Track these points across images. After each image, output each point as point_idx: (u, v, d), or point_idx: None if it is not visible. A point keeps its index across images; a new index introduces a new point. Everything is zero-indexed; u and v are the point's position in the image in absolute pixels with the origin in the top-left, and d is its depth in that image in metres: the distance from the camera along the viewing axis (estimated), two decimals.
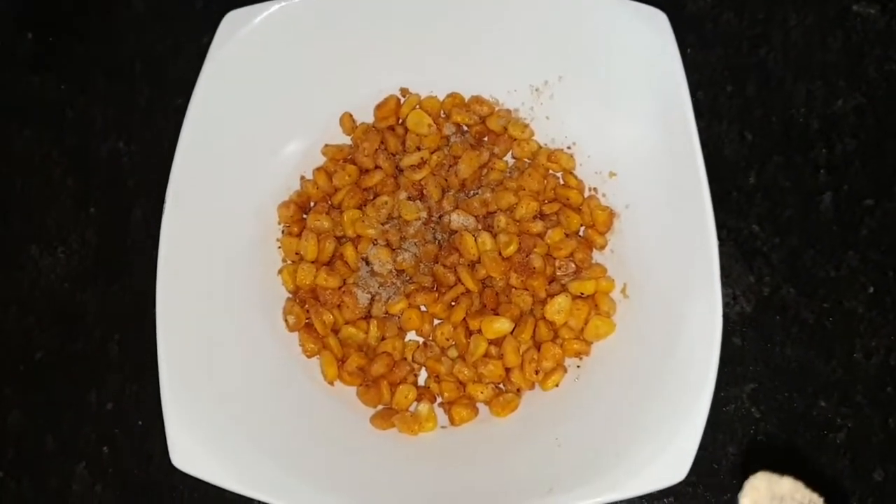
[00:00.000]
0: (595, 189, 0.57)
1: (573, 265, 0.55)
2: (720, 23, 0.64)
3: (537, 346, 0.53)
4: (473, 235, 0.55)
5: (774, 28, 0.64)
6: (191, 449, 0.48)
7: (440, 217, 0.56)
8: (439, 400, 0.54)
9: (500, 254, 0.55)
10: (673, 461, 0.48)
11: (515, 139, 0.58)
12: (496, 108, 0.59)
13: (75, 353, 0.58)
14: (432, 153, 0.57)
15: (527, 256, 0.55)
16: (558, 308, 0.53)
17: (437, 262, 0.55)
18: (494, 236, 0.55)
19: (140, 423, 0.56)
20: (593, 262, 0.56)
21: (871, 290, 0.58)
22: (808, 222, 0.59)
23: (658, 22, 0.53)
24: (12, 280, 0.60)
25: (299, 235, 0.56)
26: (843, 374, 0.56)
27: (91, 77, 0.65)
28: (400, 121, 0.59)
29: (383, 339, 0.55)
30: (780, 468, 0.55)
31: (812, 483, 0.50)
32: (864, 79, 0.62)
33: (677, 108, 0.52)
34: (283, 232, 0.57)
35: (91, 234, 0.61)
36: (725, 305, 0.56)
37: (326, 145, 0.58)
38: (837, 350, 0.57)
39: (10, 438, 0.57)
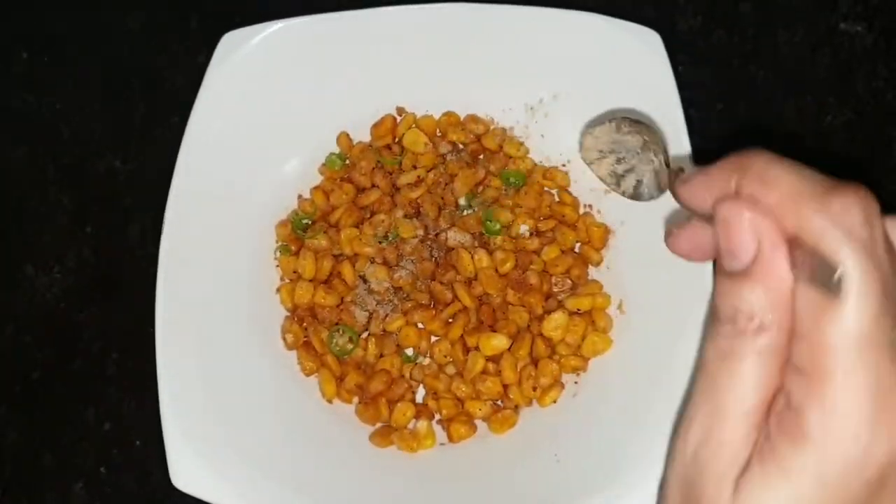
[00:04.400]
0: (590, 206, 0.58)
1: (569, 281, 0.56)
2: (711, 41, 0.65)
3: (535, 362, 0.54)
4: (470, 252, 0.55)
5: (764, 46, 0.65)
6: (190, 468, 0.48)
7: (437, 234, 0.57)
8: (437, 417, 0.54)
9: (496, 271, 0.55)
10: None
11: (511, 157, 0.59)
12: (491, 127, 0.59)
13: (72, 371, 0.58)
14: (428, 171, 0.58)
15: (523, 273, 0.55)
16: (555, 324, 0.54)
17: (434, 280, 0.56)
18: (491, 253, 0.56)
19: (138, 442, 0.56)
20: (589, 278, 0.56)
21: None
22: None
23: (651, 41, 0.54)
24: (8, 299, 0.60)
25: (297, 254, 0.56)
26: None
27: (87, 95, 0.65)
28: (396, 140, 0.59)
29: (381, 356, 0.55)
30: None
31: None
32: (854, 95, 0.63)
33: (671, 125, 0.52)
34: (280, 250, 0.57)
35: (87, 252, 0.61)
36: None
37: (324, 164, 0.59)
38: None
39: (8, 457, 0.57)
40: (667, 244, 0.31)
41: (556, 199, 0.58)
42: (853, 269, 0.24)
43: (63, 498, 0.56)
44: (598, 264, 0.56)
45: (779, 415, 0.25)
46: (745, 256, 0.26)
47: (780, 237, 0.25)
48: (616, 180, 0.37)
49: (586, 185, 0.57)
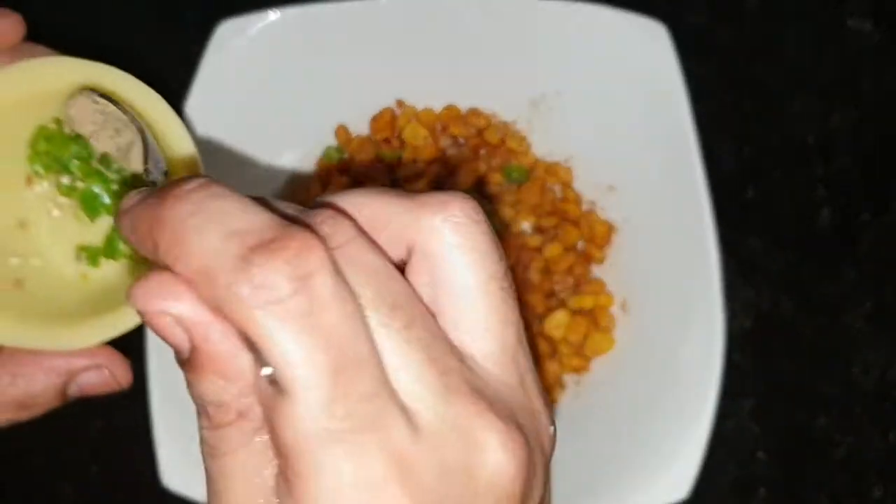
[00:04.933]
0: (594, 203, 0.57)
1: (571, 280, 0.55)
2: (717, 36, 0.64)
3: (536, 361, 0.53)
4: None
5: (771, 43, 0.64)
6: (180, 468, 0.47)
7: None
8: None
9: None
10: (674, 479, 0.47)
11: (513, 152, 0.58)
12: (493, 121, 0.58)
13: None
14: (428, 165, 0.57)
15: (524, 271, 0.54)
16: (557, 323, 0.53)
17: None
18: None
19: (129, 441, 0.55)
20: (592, 276, 0.55)
21: (869, 304, 0.57)
22: (807, 237, 0.59)
23: (658, 34, 0.53)
24: None
25: None
26: (842, 389, 0.56)
27: None
28: (396, 133, 0.58)
29: None
30: (780, 485, 0.55)
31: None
32: (861, 94, 0.62)
33: (677, 120, 0.51)
34: None
35: None
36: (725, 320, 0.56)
37: (322, 157, 0.58)
38: (836, 365, 0.56)
39: None
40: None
41: (559, 195, 0.57)
42: (285, 359, 0.19)
43: (52, 498, 0.55)
44: (600, 262, 0.55)
45: None
46: (183, 348, 0.20)
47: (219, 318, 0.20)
48: (124, 155, 0.32)
49: (590, 182, 0.56)
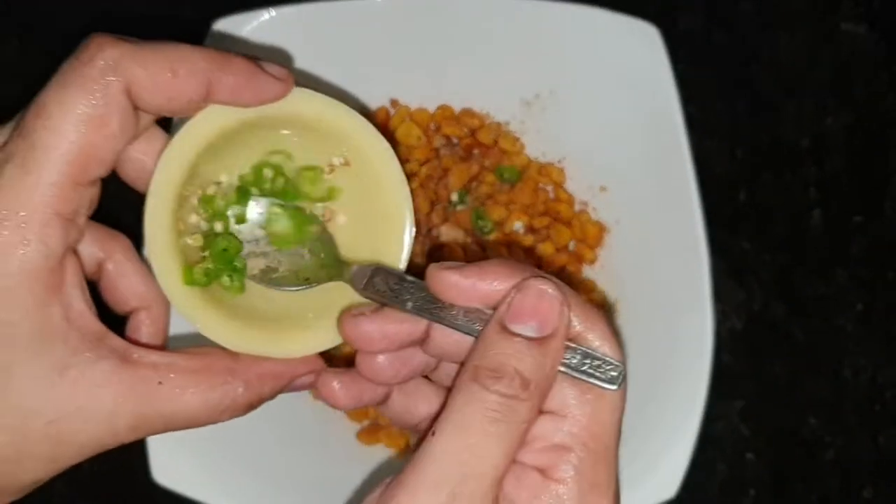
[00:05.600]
0: (586, 203, 0.57)
1: (563, 280, 0.55)
2: (711, 40, 0.65)
3: None
4: (462, 248, 0.54)
5: (765, 46, 0.64)
6: (171, 463, 0.47)
7: (429, 230, 0.56)
8: None
9: None
10: (663, 478, 0.48)
11: (506, 152, 0.58)
12: (486, 122, 0.58)
13: None
14: (422, 165, 0.57)
15: None
16: None
17: None
18: (484, 250, 0.55)
19: None
20: (583, 276, 0.55)
21: (860, 307, 0.58)
22: (798, 239, 0.59)
23: (650, 36, 0.53)
24: None
25: None
26: (832, 391, 0.56)
27: None
28: (390, 132, 0.58)
29: None
30: (770, 486, 0.55)
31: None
32: (853, 97, 0.63)
33: (669, 122, 0.52)
34: None
35: None
36: (715, 322, 0.56)
37: None
38: (826, 367, 0.56)
39: None
40: (346, 324, 0.31)
41: (552, 195, 0.57)
42: (624, 371, 0.28)
43: (45, 494, 0.54)
44: (592, 263, 0.56)
45: (534, 485, 0.27)
46: (547, 328, 0.28)
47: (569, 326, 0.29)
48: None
49: (582, 183, 0.57)
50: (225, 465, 0.47)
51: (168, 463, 0.47)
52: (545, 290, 0.28)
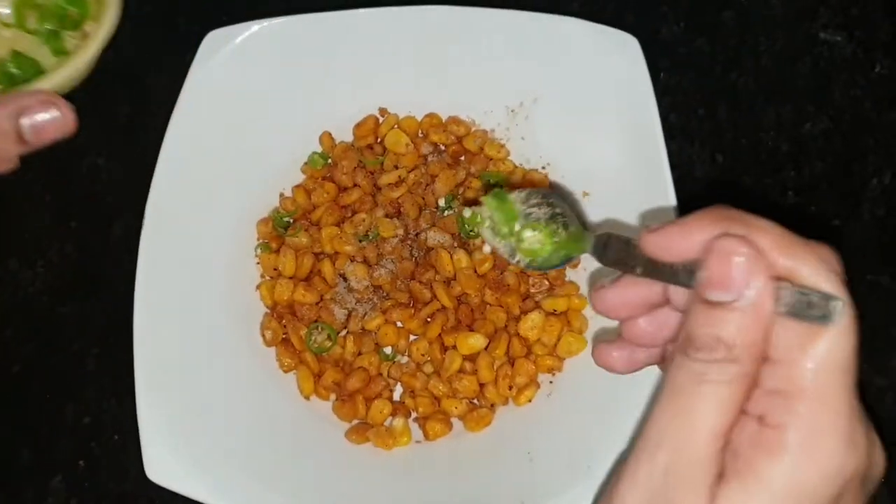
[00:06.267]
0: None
1: (546, 282, 0.56)
2: (693, 48, 0.66)
3: (511, 361, 0.54)
4: (449, 253, 0.56)
5: (745, 54, 0.66)
6: (166, 462, 0.48)
7: (417, 234, 0.57)
8: (414, 415, 0.55)
9: (475, 271, 0.56)
10: None
11: (491, 159, 0.59)
12: (473, 129, 0.60)
13: (52, 366, 0.58)
14: (410, 172, 0.58)
15: (501, 274, 0.56)
16: (532, 324, 0.54)
17: (414, 279, 0.56)
18: (470, 254, 0.56)
19: (117, 436, 0.56)
20: (566, 279, 0.57)
21: None
22: None
23: (630, 46, 0.55)
24: None
25: (278, 251, 0.57)
26: None
27: (72, 93, 0.66)
28: (378, 140, 0.60)
29: (359, 354, 0.55)
30: None
31: None
32: (832, 103, 0.64)
33: (647, 129, 0.53)
34: (261, 248, 0.57)
35: (70, 248, 0.61)
36: None
37: (306, 163, 0.59)
38: None
39: None
40: (594, 299, 0.34)
41: None
42: (844, 305, 0.27)
43: (41, 492, 0.56)
44: (575, 266, 0.57)
45: (752, 434, 0.28)
46: (736, 289, 0.27)
47: (770, 275, 0.27)
48: (510, 252, 0.37)
49: (565, 188, 0.58)
50: (217, 462, 0.48)
51: (161, 460, 0.48)
52: (732, 256, 0.27)
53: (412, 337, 0.56)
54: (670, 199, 0.52)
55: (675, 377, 0.28)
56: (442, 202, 0.58)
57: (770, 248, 0.28)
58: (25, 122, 0.39)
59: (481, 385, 0.54)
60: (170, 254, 0.53)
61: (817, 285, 0.28)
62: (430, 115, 0.60)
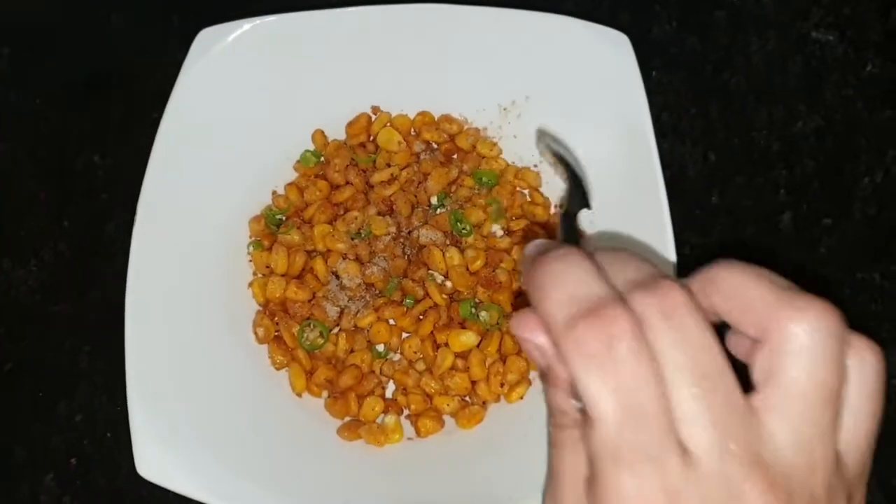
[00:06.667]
0: (561, 206, 0.58)
1: None
2: (685, 47, 0.66)
3: (503, 359, 0.54)
4: (441, 250, 0.56)
5: (737, 53, 0.66)
6: (158, 459, 0.48)
7: (409, 232, 0.57)
8: (406, 412, 0.55)
9: (467, 268, 0.56)
10: None
11: (484, 157, 0.59)
12: (465, 127, 0.60)
13: (45, 364, 0.58)
14: (402, 170, 0.59)
15: (493, 271, 0.56)
16: None
17: (406, 277, 0.56)
18: (462, 251, 0.56)
19: (109, 434, 0.57)
20: None
21: None
22: (769, 241, 0.61)
23: (621, 45, 0.55)
24: None
25: (270, 249, 0.57)
26: None
27: (66, 91, 0.66)
28: (371, 138, 0.60)
29: (352, 351, 0.55)
30: None
31: None
32: (823, 102, 0.64)
33: (639, 128, 0.53)
34: (253, 245, 0.58)
35: (63, 246, 0.61)
36: None
37: (299, 161, 0.59)
38: None
39: None
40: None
41: (528, 198, 0.59)
42: (588, 397, 0.25)
43: (33, 490, 0.56)
44: None
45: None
46: (541, 365, 0.28)
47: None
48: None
49: (557, 186, 0.58)
50: (208, 459, 0.49)
51: (152, 457, 0.48)
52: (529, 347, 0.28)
53: (404, 334, 0.56)
54: (661, 197, 0.52)
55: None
56: (434, 200, 0.58)
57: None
58: None
59: (473, 382, 0.54)
60: (161, 251, 0.53)
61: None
62: (423, 114, 0.60)
